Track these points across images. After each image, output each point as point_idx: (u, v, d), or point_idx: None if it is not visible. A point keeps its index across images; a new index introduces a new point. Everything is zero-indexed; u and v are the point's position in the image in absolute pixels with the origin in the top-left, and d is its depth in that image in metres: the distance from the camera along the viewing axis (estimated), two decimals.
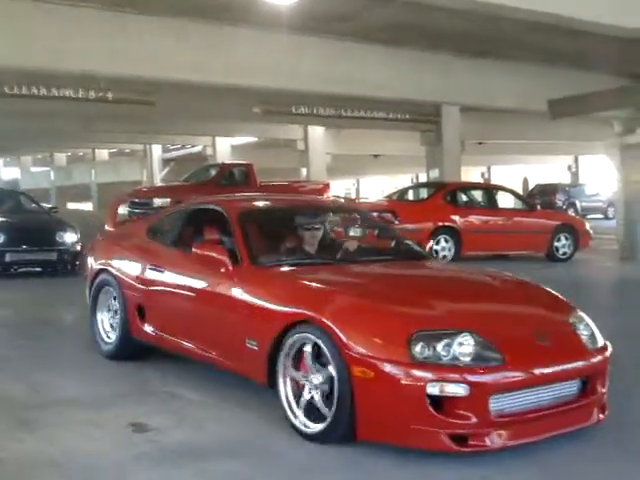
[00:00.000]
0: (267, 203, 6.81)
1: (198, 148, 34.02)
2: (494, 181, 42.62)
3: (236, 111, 19.55)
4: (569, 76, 16.73)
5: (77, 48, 11.94)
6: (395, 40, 14.33)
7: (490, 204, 15.76)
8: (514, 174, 43.61)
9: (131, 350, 6.34)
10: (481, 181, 42.65)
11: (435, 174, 20.51)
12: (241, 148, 32.25)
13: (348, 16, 12.41)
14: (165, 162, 38.78)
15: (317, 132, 26.97)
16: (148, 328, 6.06)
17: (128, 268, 6.36)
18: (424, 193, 16.66)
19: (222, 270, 5.33)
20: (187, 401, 5.35)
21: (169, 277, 5.93)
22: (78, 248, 12.16)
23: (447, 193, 15.21)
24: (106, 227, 7.58)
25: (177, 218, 6.57)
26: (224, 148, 30.80)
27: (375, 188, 50.39)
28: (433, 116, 18.74)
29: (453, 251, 14.07)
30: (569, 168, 42.21)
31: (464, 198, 15.83)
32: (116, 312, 6.41)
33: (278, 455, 4.39)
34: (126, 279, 6.30)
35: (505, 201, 17.43)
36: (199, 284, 5.64)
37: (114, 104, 15.23)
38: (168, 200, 20.01)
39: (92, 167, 44.17)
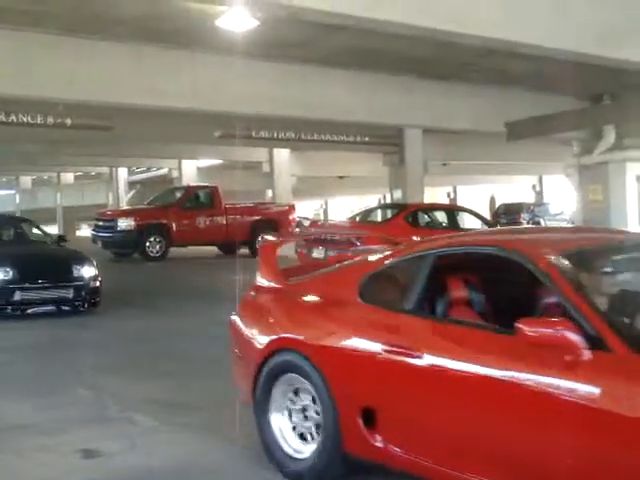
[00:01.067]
0: (592, 242, 4.50)
1: (164, 170, 33.98)
2: (461, 201, 43.03)
3: (199, 134, 19.62)
4: (527, 98, 17.00)
5: (34, 74, 11.92)
6: (355, 64, 14.50)
7: (451, 224, 15.91)
8: (481, 193, 44.12)
9: (342, 469, 4.29)
10: (447, 201, 43.10)
11: (398, 195, 20.78)
12: (207, 170, 32.26)
13: (306, 42, 12.54)
14: (131, 185, 38.66)
15: (282, 154, 27.11)
16: (379, 441, 4.06)
17: (341, 347, 4.30)
18: (385, 214, 16.81)
19: (566, 359, 3.33)
20: (141, 426, 5.39)
21: (435, 365, 3.85)
22: (97, 284, 10.84)
23: (408, 214, 15.34)
24: (262, 279, 5.22)
25: (419, 268, 4.29)
26: (190, 170, 30.80)
27: (344, 209, 50.62)
28: (394, 138, 18.97)
29: None
30: (533, 187, 42.82)
31: (425, 219, 15.99)
32: (305, 412, 4.46)
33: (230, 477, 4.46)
34: (338, 365, 4.25)
35: (466, 221, 17.65)
36: (507, 379, 3.52)
37: (73, 129, 15.24)
38: (132, 222, 20.10)
39: (57, 190, 43.90)
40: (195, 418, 5.57)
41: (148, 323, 10.23)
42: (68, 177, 45.19)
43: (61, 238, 13.00)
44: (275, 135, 17.99)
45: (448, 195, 45.47)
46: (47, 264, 10.89)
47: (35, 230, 12.92)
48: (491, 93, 16.77)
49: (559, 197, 38.72)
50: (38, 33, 11.83)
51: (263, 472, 4.50)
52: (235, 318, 5.10)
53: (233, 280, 13.29)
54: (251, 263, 18.97)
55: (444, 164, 30.24)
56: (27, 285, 10.25)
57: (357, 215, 17.24)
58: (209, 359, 7.49)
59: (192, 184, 25.13)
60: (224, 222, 21.20)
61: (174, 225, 20.40)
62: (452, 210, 17.40)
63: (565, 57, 10.33)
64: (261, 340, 4.69)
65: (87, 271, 10.76)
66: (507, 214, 34.90)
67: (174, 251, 20.56)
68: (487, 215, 26.37)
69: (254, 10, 9.11)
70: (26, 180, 49.41)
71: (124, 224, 20.06)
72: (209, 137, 17.74)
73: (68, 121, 14.82)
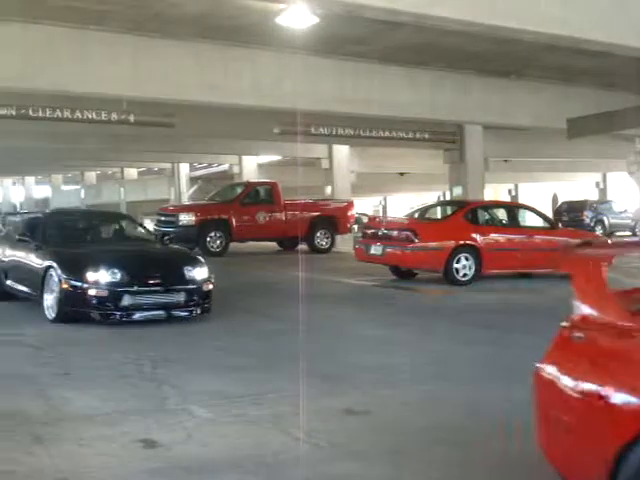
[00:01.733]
0: None
1: (225, 166, 34.32)
2: (522, 198, 42.47)
3: (260, 130, 19.82)
4: (590, 94, 16.76)
5: (97, 71, 12.25)
6: (414, 60, 14.50)
7: (511, 222, 15.72)
8: (543, 191, 43.46)
9: None
10: (508, 199, 42.58)
11: (458, 192, 20.64)
12: (267, 166, 32.51)
13: (365, 39, 12.60)
14: (193, 180, 39.14)
15: (342, 150, 27.15)
16: None
17: None
18: (445, 211, 16.71)
19: None
20: (198, 418, 5.50)
21: None
22: (210, 287, 9.86)
23: (468, 211, 15.21)
24: (589, 309, 3.49)
25: None
26: (250, 166, 31.06)
27: (403, 206, 50.44)
28: (453, 135, 18.85)
29: (474, 269, 14.03)
30: (597, 185, 41.98)
31: (485, 216, 15.84)
32: None
33: (285, 469, 4.51)
34: None
35: (527, 219, 17.43)
36: None
37: (137, 126, 15.56)
38: (193, 218, 20.40)
39: (121, 185, 44.70)
40: (253, 410, 5.66)
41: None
42: (132, 172, 45.98)
43: (165, 236, 12.08)
44: (334, 132, 18.09)
45: (509, 192, 44.91)
46: (156, 265, 9.97)
47: (136, 227, 12.31)
48: (553, 89, 16.57)
49: (623, 195, 37.93)
50: (101, 32, 12.16)
51: (320, 465, 4.57)
52: (548, 369, 3.52)
53: (309, 278, 13.53)
54: (310, 259, 19.20)
55: (505, 161, 29.94)
56: (136, 288, 9.25)
57: (415, 212, 17.20)
58: (275, 355, 7.70)
59: (252, 180, 25.35)
60: (283, 218, 21.35)
61: (234, 220, 20.63)
62: (513, 208, 17.16)
63: (626, 53, 10.17)
64: (620, 413, 3.12)
65: (199, 272, 9.84)
66: (569, 212, 34.25)
67: (233, 246, 20.79)
68: (549, 213, 26.04)
69: (314, 7, 9.15)
70: (91, 175, 50.42)
71: (185, 219, 20.36)
72: (269, 133, 17.91)
73: (131, 118, 15.18)
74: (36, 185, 56.96)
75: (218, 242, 20.27)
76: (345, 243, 22.42)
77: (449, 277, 13.92)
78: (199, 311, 9.66)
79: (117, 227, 12.02)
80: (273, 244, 22.14)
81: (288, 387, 6.13)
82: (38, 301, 9.81)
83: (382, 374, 6.99)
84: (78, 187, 51.27)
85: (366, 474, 4.49)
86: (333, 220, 22.17)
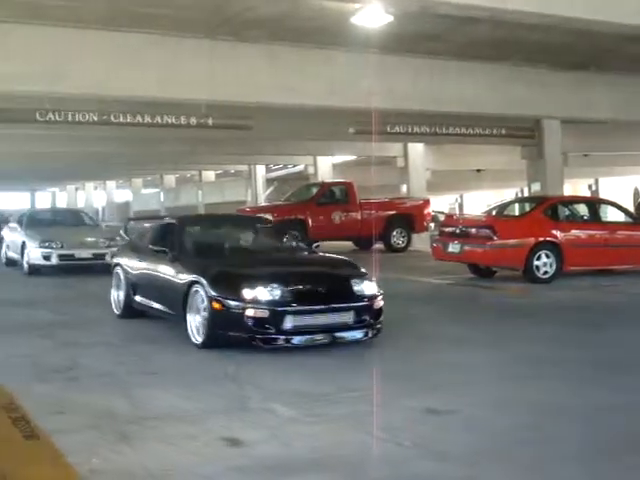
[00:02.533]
0: None
1: (300, 167, 34.53)
2: (603, 193, 41.48)
3: (334, 131, 19.88)
4: None
5: (176, 76, 12.51)
6: (488, 56, 14.35)
7: (592, 218, 15.38)
8: (624, 185, 42.34)
9: None
10: (588, 194, 41.63)
11: (537, 188, 20.27)
12: (342, 166, 32.56)
13: (438, 35, 12.53)
14: (269, 182, 39.49)
15: (417, 148, 26.99)
16: None
17: None
18: (523, 208, 16.45)
19: None
20: (280, 417, 5.55)
21: None
22: (381, 304, 8.20)
23: (547, 207, 14.95)
24: None
25: None
26: (325, 167, 31.14)
27: (481, 203, 49.84)
28: (530, 130, 18.54)
29: (555, 267, 13.78)
30: None
31: (565, 212, 15.53)
32: None
33: (367, 469, 4.53)
34: None
35: (609, 214, 17.04)
36: None
37: (215, 129, 15.81)
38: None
39: (199, 188, 45.40)
40: (333, 409, 5.70)
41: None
42: (209, 175, 46.66)
43: (312, 243, 10.45)
44: (409, 130, 18.03)
45: (589, 187, 43.91)
46: (319, 278, 8.34)
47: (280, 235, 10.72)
48: (633, 82, 16.13)
49: None
50: (179, 37, 12.40)
51: (402, 464, 4.57)
52: None
53: (386, 278, 13.48)
54: (387, 258, 19.11)
55: (585, 155, 29.29)
56: (299, 308, 7.73)
57: (493, 209, 16.98)
58: (354, 354, 7.72)
59: (327, 180, 25.44)
60: (359, 217, 21.36)
61: (310, 220, 20.75)
62: (594, 203, 16.78)
63: None
64: None
65: (368, 287, 8.19)
66: None
67: None
68: (630, 208, 25.36)
69: (388, 6, 9.14)
70: (170, 179, 51.35)
71: None
72: (344, 133, 17.98)
73: (210, 121, 15.45)
74: (117, 189, 58.35)
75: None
76: (422, 242, 22.30)
77: (529, 275, 13.71)
78: (370, 334, 8.01)
79: (255, 232, 10.44)
80: (349, 243, 22.18)
81: (368, 386, 6.14)
82: (177, 321, 8.51)
83: (462, 373, 6.94)
84: (157, 190, 52.28)
85: (448, 474, 4.47)
86: (409, 218, 22.07)
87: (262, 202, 33.19)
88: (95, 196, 61.77)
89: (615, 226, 15.32)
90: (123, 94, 12.90)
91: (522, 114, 17.01)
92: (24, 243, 16.13)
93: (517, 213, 16.82)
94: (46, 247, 15.56)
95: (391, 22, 10.42)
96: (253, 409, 5.80)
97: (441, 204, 47.37)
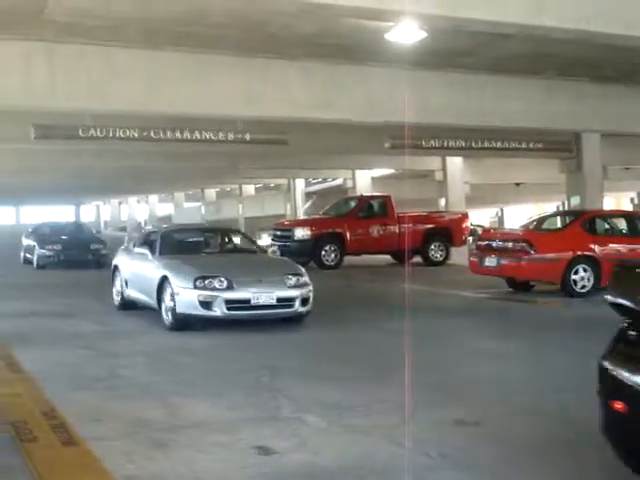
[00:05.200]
0: None
1: (339, 181, 34.66)
2: None
3: (371, 145, 19.98)
4: None
5: (213, 93, 12.77)
6: (524, 70, 14.34)
7: (631, 231, 15.22)
8: None
9: None
10: (630, 207, 41.13)
11: (576, 201, 20.15)
12: (381, 180, 32.63)
13: (474, 50, 12.57)
14: (308, 195, 39.69)
15: (455, 162, 27.00)
16: None
17: None
18: (561, 221, 16.36)
19: None
20: (311, 427, 5.67)
21: None
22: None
23: (585, 221, 14.85)
24: None
25: None
26: (364, 180, 31.25)
27: (521, 217, 49.50)
28: (568, 144, 18.46)
29: (592, 281, 13.68)
30: None
31: (604, 226, 15.40)
32: None
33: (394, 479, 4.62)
34: None
35: None
36: None
37: (252, 144, 16.04)
38: (308, 232, 20.74)
39: (239, 202, 45.81)
40: (364, 420, 5.79)
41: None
42: (249, 189, 47.06)
43: None
44: (445, 144, 18.03)
45: (631, 201, 43.35)
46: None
47: None
48: None
49: None
50: (216, 55, 12.64)
51: (429, 475, 4.65)
52: None
53: (424, 291, 13.37)
54: (425, 272, 19.08)
55: (626, 168, 28.98)
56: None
57: (531, 223, 16.92)
58: (387, 366, 7.82)
59: (365, 194, 25.51)
60: (397, 231, 21.39)
61: (348, 234, 20.84)
62: (633, 217, 16.61)
63: None
64: None
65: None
66: None
67: (347, 259, 20.99)
68: None
69: (421, 23, 9.25)
70: (210, 193, 51.92)
71: (300, 234, 20.71)
72: (381, 148, 18.05)
73: (247, 136, 15.67)
74: (159, 203, 59.11)
75: (332, 255, 20.51)
76: (460, 255, 22.25)
77: (567, 289, 13.64)
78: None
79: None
80: (387, 257, 22.22)
81: (399, 398, 6.21)
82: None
83: (494, 386, 6.98)
84: (199, 204, 52.85)
85: None
86: (447, 232, 22.05)
87: (301, 216, 33.38)
88: (138, 210, 62.64)
89: None
90: (161, 111, 13.19)
91: (560, 128, 16.95)
92: (165, 279, 10.44)
93: (555, 227, 16.73)
94: (205, 287, 9.98)
95: (425, 38, 10.50)
96: (284, 418, 5.92)
97: (481, 218, 47.15)
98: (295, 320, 10.47)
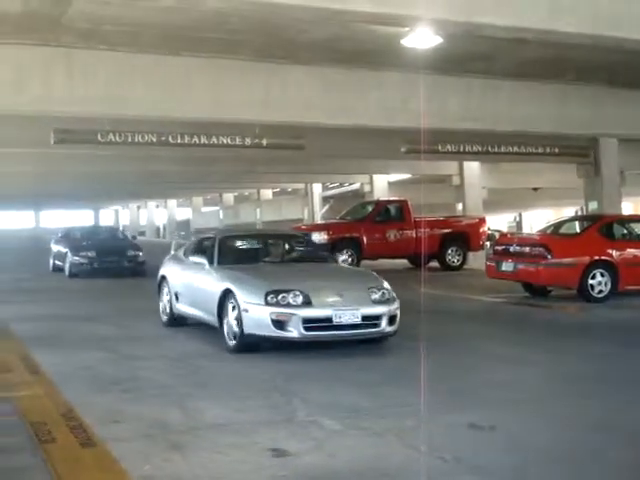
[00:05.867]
0: None
1: (356, 186, 34.75)
2: None
3: (388, 149, 19.99)
4: None
5: (230, 98, 12.86)
6: (541, 75, 14.33)
7: None
8: None
9: None
10: None
11: (594, 206, 20.10)
12: (398, 184, 32.67)
13: (490, 55, 12.60)
14: (325, 200, 39.79)
15: (472, 167, 26.98)
16: None
17: None
18: (579, 226, 16.32)
19: None
20: (326, 429, 5.71)
21: None
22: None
23: (603, 226, 14.82)
24: None
25: None
26: (381, 185, 31.32)
27: (539, 221, 49.29)
28: (586, 149, 18.42)
29: (610, 286, 13.65)
30: None
31: (621, 231, 15.36)
32: None
33: None
34: None
35: None
36: None
37: (269, 149, 16.12)
38: (325, 236, 20.78)
39: (257, 206, 45.98)
40: (379, 423, 5.82)
41: None
42: (267, 193, 47.25)
43: None
44: (462, 149, 18.03)
45: None
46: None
47: None
48: None
49: None
50: (233, 60, 12.73)
51: (443, 478, 4.68)
52: None
53: (441, 296, 13.36)
54: (442, 276, 19.08)
55: None
56: None
57: (549, 227, 16.89)
58: (402, 370, 7.87)
59: (382, 198, 25.54)
60: (414, 235, 21.40)
61: (365, 238, 20.88)
62: None
63: None
64: None
65: None
66: None
67: (364, 264, 21.01)
68: None
69: (436, 29, 9.29)
70: (229, 197, 52.16)
71: (317, 238, 20.75)
72: (397, 152, 18.08)
73: (264, 141, 15.73)
74: (178, 207, 59.39)
75: (349, 260, 20.55)
76: (477, 260, 22.22)
77: (584, 294, 13.61)
78: None
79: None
80: (404, 261, 22.23)
81: (414, 401, 6.25)
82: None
83: (510, 391, 7.00)
84: (217, 208, 53.09)
85: None
86: (464, 237, 22.03)
87: (318, 220, 33.46)
88: (157, 214, 62.95)
89: None
90: (179, 116, 13.28)
91: (577, 133, 16.92)
92: (228, 293, 8.91)
93: (572, 232, 16.69)
94: (278, 303, 8.44)
95: (441, 43, 10.55)
96: (300, 421, 5.97)
97: (499, 222, 47.02)
98: (376, 341, 9.07)
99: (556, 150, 18.67)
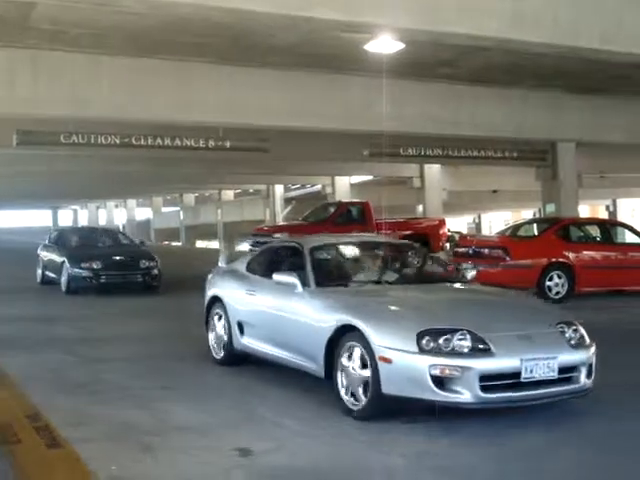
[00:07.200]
0: None
1: (318, 187, 34.93)
2: (622, 214, 41.58)
3: (350, 152, 20.20)
4: None
5: (195, 101, 12.93)
6: (501, 80, 14.63)
7: (605, 239, 15.52)
8: None
9: None
10: (606, 215, 41.68)
11: (551, 209, 20.47)
12: (359, 186, 32.92)
13: (450, 61, 12.85)
14: (287, 201, 39.87)
15: (433, 169, 27.30)
16: None
17: None
18: (537, 229, 16.64)
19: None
20: (288, 430, 5.80)
21: None
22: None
23: (560, 228, 15.12)
24: None
25: None
26: (343, 186, 31.51)
27: (498, 223, 49.90)
28: (544, 153, 18.79)
29: (566, 287, 13.95)
30: None
31: (578, 233, 15.69)
32: None
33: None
34: None
35: (621, 236, 17.15)
36: None
37: (232, 151, 16.21)
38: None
39: (218, 207, 45.88)
40: (338, 425, 5.92)
41: None
42: (228, 194, 47.18)
43: None
44: (423, 152, 18.29)
45: (607, 208, 43.95)
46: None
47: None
48: None
49: None
50: (198, 63, 12.80)
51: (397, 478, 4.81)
52: None
53: None
54: None
55: (601, 176, 29.39)
56: None
57: (507, 230, 17.18)
58: None
59: (344, 200, 25.70)
60: None
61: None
62: (606, 224, 16.93)
63: None
64: None
65: None
66: None
67: None
68: None
69: (399, 35, 9.48)
70: (189, 197, 51.94)
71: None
72: (360, 155, 18.26)
73: (227, 144, 15.82)
74: (137, 207, 59.00)
75: None
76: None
77: (541, 295, 13.86)
78: None
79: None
80: None
81: None
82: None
83: None
84: (177, 209, 52.87)
85: None
86: (425, 238, 22.22)
87: (280, 221, 33.52)
88: (116, 214, 62.47)
89: (627, 247, 15.43)
90: (143, 118, 13.34)
91: (535, 137, 17.26)
92: (347, 332, 6.14)
93: (530, 234, 17.01)
94: (440, 351, 5.69)
95: (404, 49, 10.74)
96: (265, 422, 6.05)
97: (459, 224, 47.53)
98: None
99: (515, 154, 19.04)
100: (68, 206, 74.98)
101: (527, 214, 45.73)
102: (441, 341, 5.60)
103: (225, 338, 8.01)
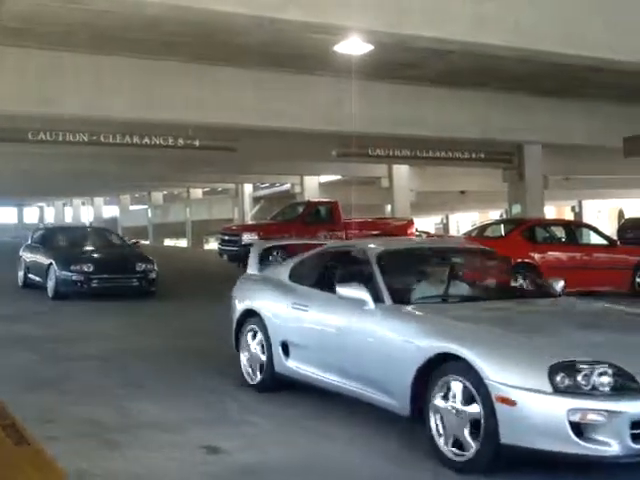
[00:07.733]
0: None
1: (287, 186, 34.95)
2: (587, 215, 42.13)
3: (319, 152, 20.30)
4: None
5: (164, 99, 12.94)
6: (467, 82, 14.80)
7: (570, 240, 15.75)
8: (609, 207, 42.90)
9: None
10: (571, 216, 42.20)
11: (517, 210, 20.76)
12: (328, 186, 33.01)
13: (418, 63, 12.99)
14: (256, 200, 39.87)
15: (401, 169, 27.50)
16: None
17: None
18: (502, 229, 16.84)
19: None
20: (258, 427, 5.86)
21: None
22: None
23: (525, 229, 15.32)
24: None
25: None
26: (312, 186, 31.59)
27: (466, 224, 50.28)
28: (510, 154, 19.04)
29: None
30: None
31: (543, 234, 15.90)
32: None
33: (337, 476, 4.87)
34: None
35: (587, 237, 17.41)
36: None
37: (201, 150, 16.22)
38: (256, 237, 20.85)
39: (187, 205, 45.74)
40: (310, 422, 6.01)
41: None
42: (197, 193, 47.03)
43: None
44: (391, 153, 18.46)
45: (573, 209, 44.50)
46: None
47: None
48: (608, 108, 16.66)
49: None
50: (167, 61, 12.79)
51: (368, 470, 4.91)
52: None
53: None
54: None
55: (566, 178, 29.78)
56: None
57: (474, 230, 17.35)
58: None
59: (313, 199, 25.76)
60: (343, 236, 21.66)
61: (295, 239, 21.03)
62: (571, 225, 17.20)
63: None
64: None
65: None
66: (634, 229, 33.59)
67: None
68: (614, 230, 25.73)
69: (367, 37, 9.58)
70: (157, 196, 51.63)
71: (248, 238, 20.81)
72: (329, 155, 18.36)
73: (196, 143, 15.85)
74: (105, 205, 58.55)
75: (280, 260, 20.62)
76: None
77: None
78: None
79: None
80: None
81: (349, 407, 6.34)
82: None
83: None
84: (145, 207, 52.57)
85: None
86: None
87: (249, 220, 33.51)
88: (83, 212, 61.93)
89: (592, 248, 15.66)
90: (111, 116, 13.27)
91: (500, 139, 17.47)
92: (444, 361, 4.92)
93: (496, 234, 17.20)
94: (575, 390, 4.45)
95: (372, 50, 10.86)
96: (233, 420, 6.12)
97: (427, 225, 47.85)
98: None
99: (482, 155, 19.28)
100: (34, 204, 74.23)
101: (494, 215, 46.15)
102: (579, 378, 4.40)
103: (263, 359, 6.80)
